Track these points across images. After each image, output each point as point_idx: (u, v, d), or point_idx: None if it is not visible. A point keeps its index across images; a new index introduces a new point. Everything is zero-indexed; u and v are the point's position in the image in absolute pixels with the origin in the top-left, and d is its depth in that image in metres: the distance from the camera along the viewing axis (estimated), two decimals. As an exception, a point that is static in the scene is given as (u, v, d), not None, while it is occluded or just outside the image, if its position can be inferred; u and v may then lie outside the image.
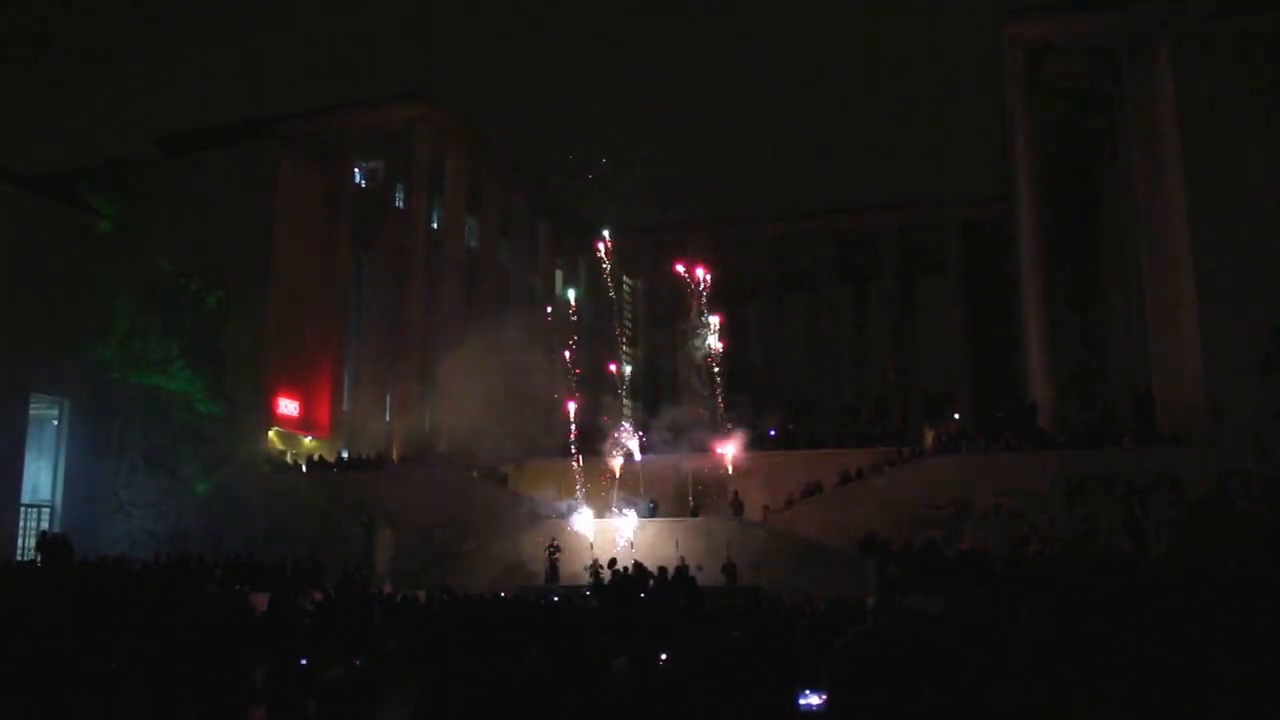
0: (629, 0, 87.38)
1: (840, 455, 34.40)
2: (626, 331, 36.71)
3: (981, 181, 49.22)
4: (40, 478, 39.95)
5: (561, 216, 52.06)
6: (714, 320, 36.04)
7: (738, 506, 32.57)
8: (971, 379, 48.20)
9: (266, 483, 37.38)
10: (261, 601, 21.98)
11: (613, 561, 27.96)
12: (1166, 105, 32.72)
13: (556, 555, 30.19)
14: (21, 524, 38.19)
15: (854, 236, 51.74)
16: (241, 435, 38.71)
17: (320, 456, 39.48)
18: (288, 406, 39.83)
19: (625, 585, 26.06)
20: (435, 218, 46.05)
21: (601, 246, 39.32)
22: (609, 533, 31.30)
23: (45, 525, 38.29)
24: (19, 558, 35.87)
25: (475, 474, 36.00)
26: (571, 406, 35.70)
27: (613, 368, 38.35)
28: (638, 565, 27.14)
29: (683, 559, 27.51)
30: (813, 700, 8.36)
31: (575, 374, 36.74)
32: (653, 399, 36.50)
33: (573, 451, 35.82)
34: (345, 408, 43.29)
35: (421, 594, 24.60)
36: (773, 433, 36.67)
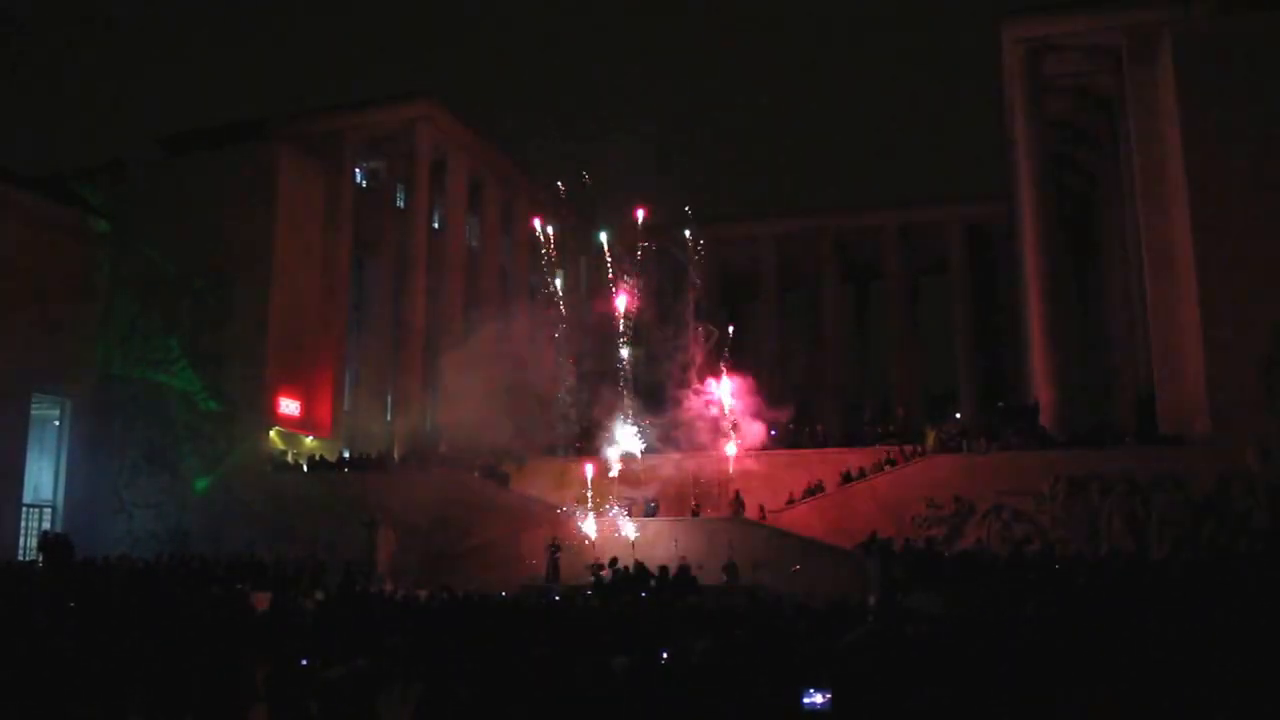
0: (631, 0, 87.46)
1: (842, 454, 34.42)
2: (628, 330, 36.62)
3: (983, 180, 49.38)
4: (41, 477, 40.02)
5: (562, 215, 52.07)
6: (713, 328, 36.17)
7: (739, 506, 32.57)
8: (973, 378, 48.22)
9: (267, 482, 37.42)
10: (262, 601, 21.99)
11: (614, 561, 27.96)
12: (1168, 104, 32.70)
13: (558, 554, 30.19)
14: (23, 524, 38.27)
15: (855, 235, 51.75)
16: (242, 435, 38.74)
17: (321, 456, 39.52)
18: (289, 406, 39.87)
19: (626, 584, 26.09)
20: (436, 217, 46.10)
21: (603, 246, 39.30)
22: (610, 532, 31.30)
23: (46, 525, 38.39)
24: (20, 558, 35.94)
25: (476, 473, 36.03)
26: (572, 406, 35.66)
27: (614, 366, 38.33)
28: (639, 564, 27.16)
29: (684, 558, 27.52)
30: (816, 699, 8.37)
31: (576, 373, 36.75)
32: (654, 397, 36.46)
33: (574, 450, 35.83)
34: (346, 407, 43.35)
35: (422, 593, 24.58)
36: (773, 432, 36.65)
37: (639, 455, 34.59)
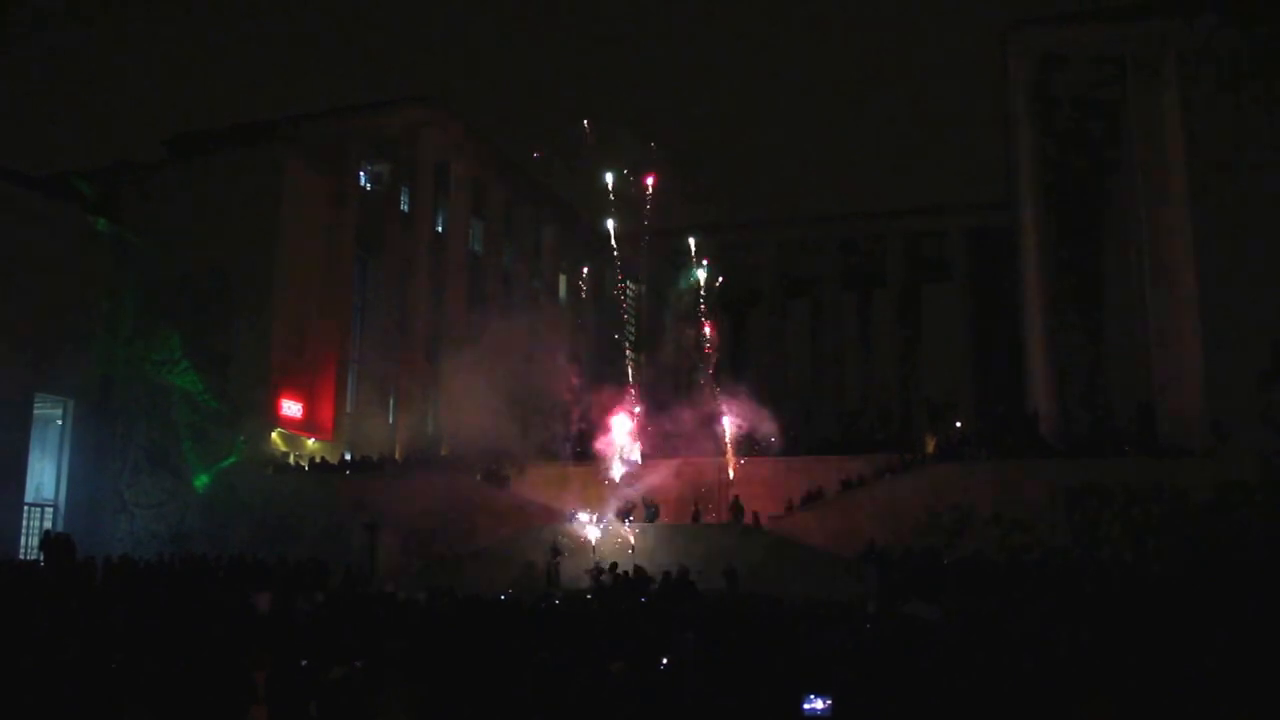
0: (635, 6, 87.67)
1: (842, 462, 34.43)
2: (630, 335, 36.76)
3: (986, 189, 49.25)
4: (44, 477, 40.07)
5: (565, 220, 52.19)
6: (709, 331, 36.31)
7: (739, 512, 32.60)
8: (974, 386, 48.22)
9: (269, 484, 37.48)
10: (264, 602, 22.04)
11: (614, 565, 28.01)
12: (1171, 115, 32.82)
13: (558, 558, 30.23)
14: (25, 523, 38.30)
15: (858, 243, 51.81)
16: (245, 436, 38.80)
17: (323, 458, 39.58)
18: (291, 408, 39.95)
19: (626, 589, 26.12)
20: (440, 220, 46.19)
21: (605, 250, 39.41)
22: (610, 537, 31.35)
23: (49, 525, 38.41)
24: (22, 557, 35.99)
25: (477, 476, 36.07)
26: (574, 409, 35.72)
27: (616, 371, 38.41)
28: (639, 569, 27.19)
29: (683, 564, 27.54)
30: (817, 705, 8.43)
31: (578, 377, 36.83)
32: (655, 403, 36.53)
33: (575, 455, 35.87)
34: (348, 409, 43.41)
35: (423, 596, 24.62)
36: (774, 438, 36.69)
37: (639, 460, 34.66)
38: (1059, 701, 10.12)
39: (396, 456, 39.78)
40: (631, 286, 39.76)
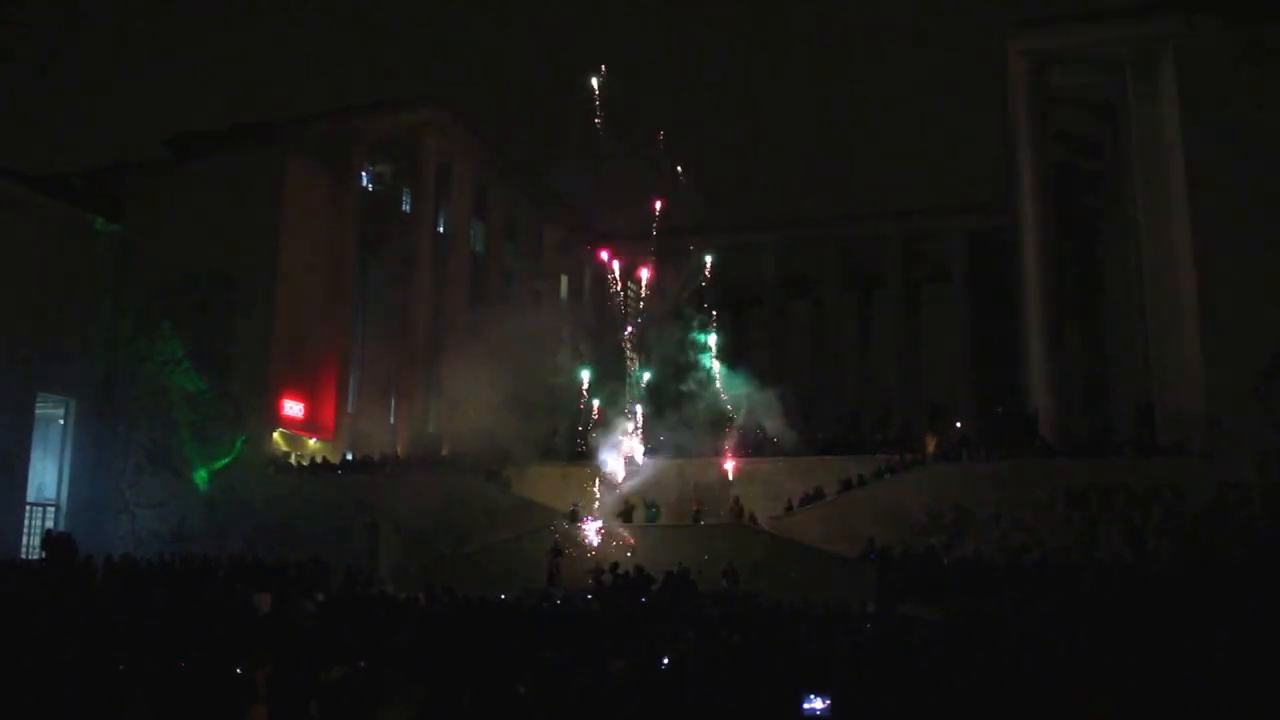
0: (636, 8, 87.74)
1: (842, 462, 34.41)
2: (630, 336, 36.77)
3: (986, 190, 49.23)
4: (46, 477, 40.16)
5: (567, 221, 52.22)
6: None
7: (739, 512, 32.62)
8: (974, 387, 48.23)
9: (270, 484, 37.52)
10: (264, 602, 22.11)
11: (614, 565, 28.04)
12: (1170, 117, 32.81)
13: (558, 559, 30.25)
14: (27, 522, 38.41)
15: (858, 244, 51.77)
16: (246, 436, 38.83)
17: (324, 458, 39.60)
18: (293, 408, 39.98)
19: (627, 589, 26.17)
20: (441, 221, 46.19)
21: (606, 251, 39.44)
22: (611, 537, 31.37)
23: (50, 524, 38.51)
24: (24, 556, 36.07)
25: (479, 476, 36.09)
26: (575, 411, 35.74)
27: (616, 372, 38.45)
28: (639, 570, 27.23)
29: (683, 564, 27.58)
30: (816, 704, 8.47)
31: (579, 378, 36.87)
32: (656, 404, 36.56)
33: (576, 455, 35.90)
34: (350, 410, 43.44)
35: (423, 596, 24.67)
36: (774, 439, 36.69)
37: (640, 460, 34.69)
38: (1059, 702, 10.14)
39: (398, 457, 39.80)
40: (632, 286, 39.74)
